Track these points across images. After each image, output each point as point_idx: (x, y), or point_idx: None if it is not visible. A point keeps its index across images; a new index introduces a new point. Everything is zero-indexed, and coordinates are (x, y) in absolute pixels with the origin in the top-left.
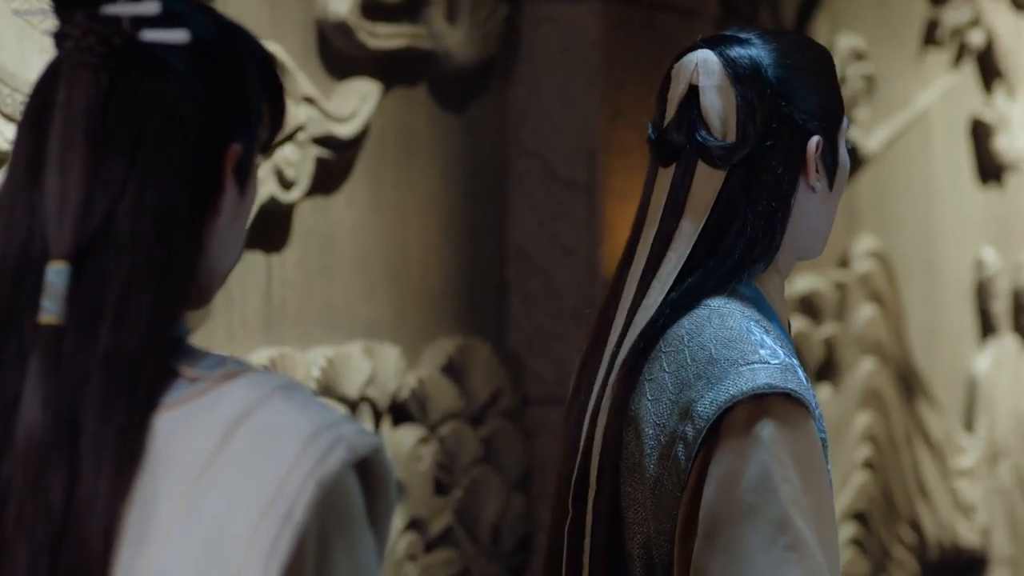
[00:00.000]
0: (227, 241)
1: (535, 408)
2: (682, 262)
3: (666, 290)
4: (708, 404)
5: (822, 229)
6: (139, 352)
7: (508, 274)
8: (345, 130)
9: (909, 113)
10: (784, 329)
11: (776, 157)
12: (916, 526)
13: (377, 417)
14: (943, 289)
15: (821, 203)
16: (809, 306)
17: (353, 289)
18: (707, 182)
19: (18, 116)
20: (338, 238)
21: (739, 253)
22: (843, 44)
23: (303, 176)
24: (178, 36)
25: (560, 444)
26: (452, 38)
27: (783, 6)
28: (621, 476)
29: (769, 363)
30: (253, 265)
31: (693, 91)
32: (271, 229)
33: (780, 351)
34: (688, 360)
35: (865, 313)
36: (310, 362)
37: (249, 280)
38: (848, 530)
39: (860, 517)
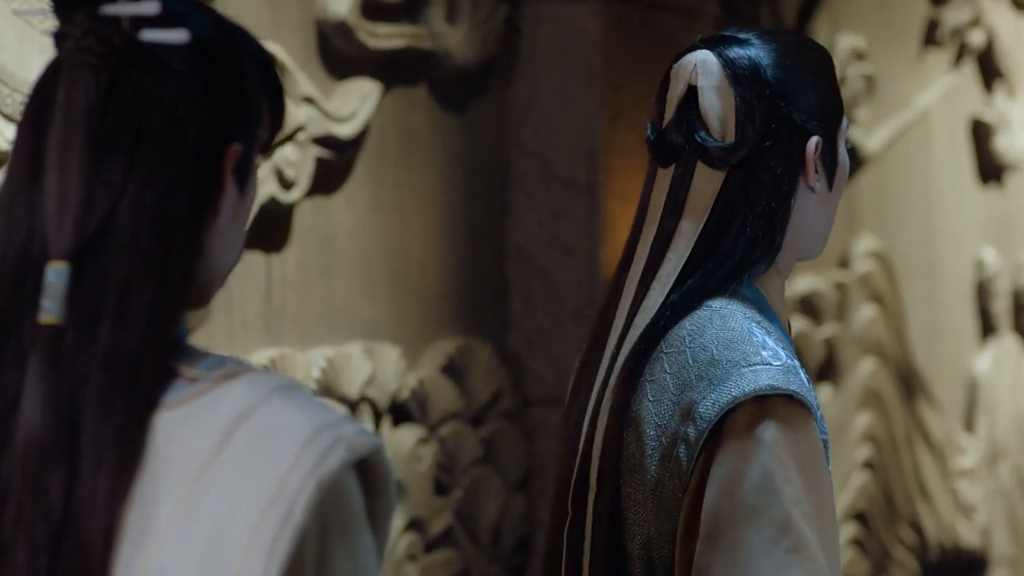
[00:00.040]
0: (227, 241)
1: (535, 408)
2: (682, 263)
3: (666, 291)
4: (710, 405)
5: (822, 229)
6: (139, 352)
7: (508, 274)
8: (345, 130)
9: (909, 113)
10: (784, 330)
11: (775, 158)
12: (916, 526)
13: (377, 417)
14: (943, 289)
15: (821, 203)
16: (809, 306)
17: (353, 289)
18: (706, 183)
19: (18, 116)
20: (338, 238)
21: (739, 254)
22: (843, 44)
23: (303, 176)
24: (178, 36)
25: (559, 445)
26: (452, 38)
27: (783, 6)
28: (622, 477)
29: (771, 364)
30: (253, 265)
31: (692, 92)
32: (271, 229)
33: (782, 352)
34: (690, 361)
35: (865, 313)
36: (310, 362)
37: (249, 280)
38: (848, 530)
39: (860, 517)
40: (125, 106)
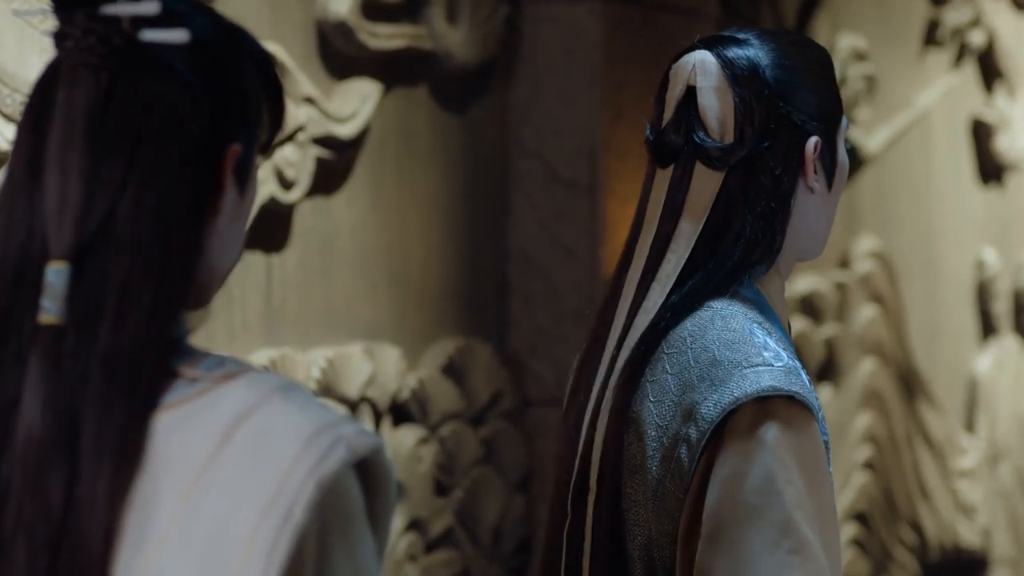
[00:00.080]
0: (227, 241)
1: (536, 409)
2: (682, 264)
3: (666, 292)
4: (712, 406)
5: (821, 230)
6: (139, 352)
7: (509, 275)
8: (345, 130)
9: (910, 113)
10: (784, 331)
11: (774, 158)
12: (917, 527)
13: (377, 418)
14: (944, 289)
15: (820, 204)
16: (810, 306)
17: (353, 290)
18: (705, 183)
19: (18, 116)
20: (338, 238)
21: (739, 255)
22: (844, 44)
23: (303, 176)
24: (178, 36)
25: (558, 445)
26: (453, 38)
27: (784, 6)
28: (622, 478)
29: (773, 366)
30: (253, 265)
31: (691, 92)
32: (271, 229)
33: (783, 354)
34: (691, 362)
35: (866, 314)
36: (310, 363)
37: (249, 280)
38: (849, 531)
39: (861, 518)
40: (125, 106)
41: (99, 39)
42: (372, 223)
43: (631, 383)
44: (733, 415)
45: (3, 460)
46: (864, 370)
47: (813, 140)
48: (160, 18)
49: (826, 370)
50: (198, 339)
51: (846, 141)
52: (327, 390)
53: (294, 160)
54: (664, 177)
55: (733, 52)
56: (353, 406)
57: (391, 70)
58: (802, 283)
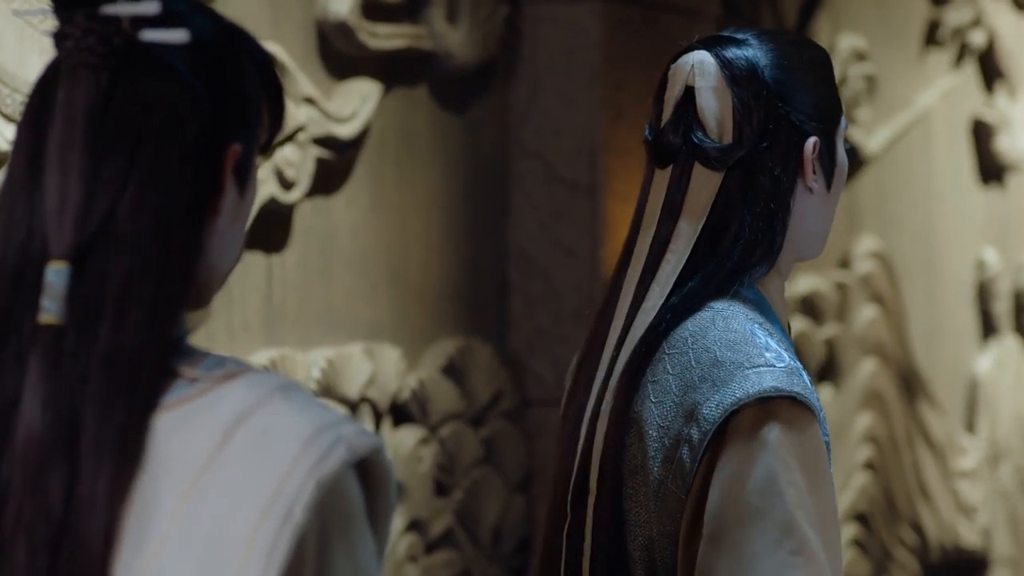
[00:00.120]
0: (227, 241)
1: (536, 409)
2: (681, 264)
3: (666, 293)
4: (714, 407)
5: (821, 230)
6: (139, 352)
7: (509, 275)
8: (345, 130)
9: (910, 113)
10: (784, 331)
11: (773, 158)
12: (917, 527)
13: (377, 418)
14: (944, 290)
15: (819, 204)
16: (810, 307)
17: (353, 290)
18: (704, 184)
19: (18, 116)
20: (338, 239)
21: (739, 255)
22: (844, 44)
23: (303, 176)
24: (178, 36)
25: (557, 445)
26: (453, 38)
27: (784, 6)
28: (623, 478)
29: (775, 366)
30: (253, 265)
31: (689, 92)
32: (271, 229)
33: (785, 354)
34: (692, 362)
35: (866, 314)
36: (310, 363)
37: (249, 280)
38: (849, 531)
39: (861, 518)
40: (125, 106)
41: (99, 39)
42: (372, 223)
43: (632, 384)
44: (735, 416)
45: (3, 460)
46: (864, 370)
47: (812, 140)
48: (160, 18)
49: (826, 370)
50: (198, 339)
51: (845, 141)
52: (327, 390)
53: (294, 160)
54: (663, 177)
55: (732, 52)
56: (353, 406)
57: (391, 70)
58: (802, 283)
